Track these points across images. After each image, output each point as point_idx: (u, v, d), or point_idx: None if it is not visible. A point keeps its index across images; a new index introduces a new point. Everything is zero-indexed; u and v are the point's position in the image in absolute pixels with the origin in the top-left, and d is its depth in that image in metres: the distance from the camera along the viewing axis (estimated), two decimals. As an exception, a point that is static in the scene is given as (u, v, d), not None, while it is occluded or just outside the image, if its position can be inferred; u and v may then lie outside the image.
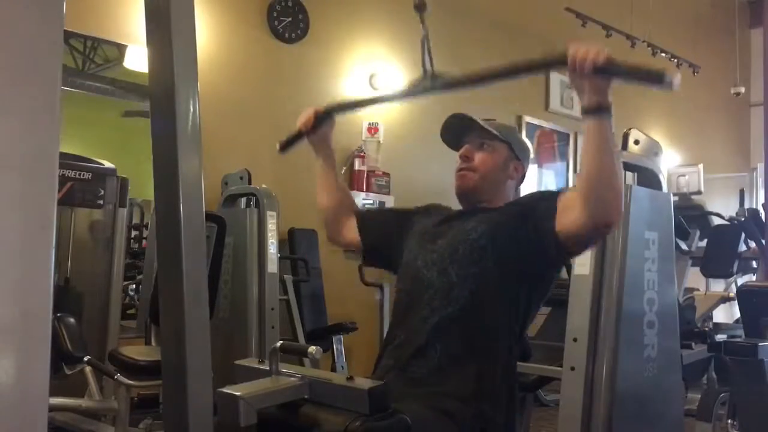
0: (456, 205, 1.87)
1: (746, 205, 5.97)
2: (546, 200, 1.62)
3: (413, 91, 1.74)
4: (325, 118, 1.88)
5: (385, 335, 1.77)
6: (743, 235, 4.77)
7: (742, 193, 6.26)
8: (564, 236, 1.54)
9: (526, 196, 1.75)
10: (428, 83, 1.69)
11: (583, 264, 2.28)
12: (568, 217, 1.53)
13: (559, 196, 1.61)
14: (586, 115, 1.44)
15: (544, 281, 1.70)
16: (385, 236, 1.92)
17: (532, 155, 1.94)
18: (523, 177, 1.88)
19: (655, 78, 1.32)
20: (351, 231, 1.96)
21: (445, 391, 1.53)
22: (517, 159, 1.83)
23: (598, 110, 1.42)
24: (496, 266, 1.62)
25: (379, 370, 1.66)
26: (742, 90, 7.83)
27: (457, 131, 1.84)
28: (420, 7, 1.68)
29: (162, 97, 0.97)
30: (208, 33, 4.26)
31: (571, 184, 6.59)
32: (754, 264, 5.36)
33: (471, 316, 1.60)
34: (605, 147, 1.44)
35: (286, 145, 1.98)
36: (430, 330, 1.61)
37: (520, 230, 1.62)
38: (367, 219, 1.99)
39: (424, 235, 1.79)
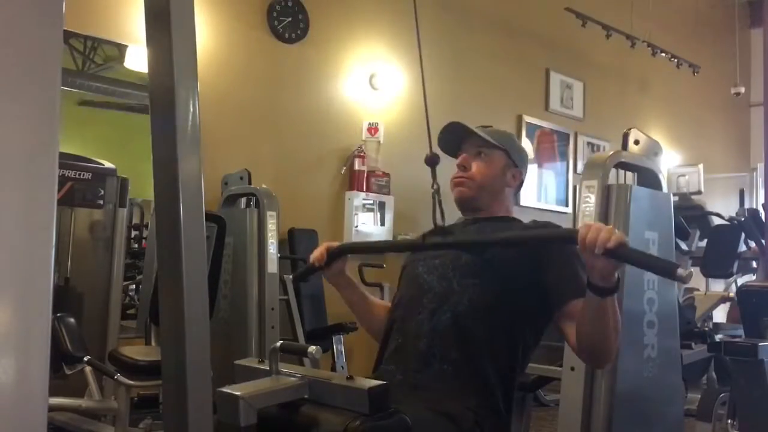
0: (454, 210, 1.87)
1: (746, 205, 5.97)
2: (566, 278, 1.60)
3: (424, 246, 1.74)
4: (337, 254, 1.84)
5: (384, 337, 1.77)
6: (743, 235, 4.77)
7: (742, 193, 6.27)
8: (557, 326, 1.62)
9: (541, 234, 1.69)
10: (439, 239, 1.69)
11: (583, 264, 2.27)
12: (566, 328, 1.59)
13: (572, 298, 1.58)
14: (590, 289, 1.43)
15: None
16: None
17: (531, 156, 1.94)
18: (521, 184, 1.88)
19: (666, 272, 1.29)
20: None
21: (446, 395, 1.53)
22: (515, 166, 1.83)
23: (603, 291, 1.41)
24: (498, 283, 1.63)
25: (380, 373, 1.65)
26: (742, 90, 7.83)
27: (454, 140, 1.84)
28: (432, 162, 1.67)
29: (162, 97, 0.97)
30: (208, 33, 4.26)
31: (571, 184, 6.59)
32: (754, 264, 5.36)
33: (470, 323, 1.60)
34: (604, 321, 1.44)
35: (301, 277, 1.99)
36: (429, 334, 1.61)
37: (528, 271, 1.63)
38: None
39: (426, 246, 1.80)
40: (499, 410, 1.57)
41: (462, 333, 1.59)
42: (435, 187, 1.67)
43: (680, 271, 1.25)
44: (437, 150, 1.77)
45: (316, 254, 1.84)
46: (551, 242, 1.60)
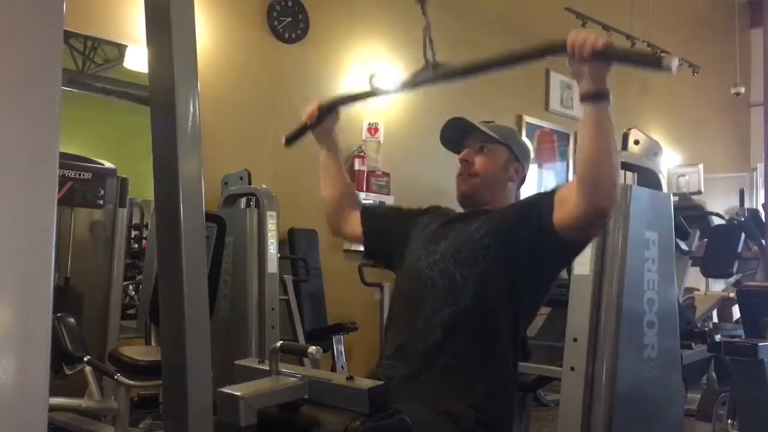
0: (456, 206, 1.88)
1: (746, 205, 5.97)
2: (545, 197, 1.63)
3: (415, 82, 1.75)
4: (328, 111, 1.90)
5: (384, 335, 1.77)
6: (743, 235, 4.77)
7: (742, 193, 6.26)
8: (561, 228, 1.56)
9: (527, 197, 1.77)
10: (430, 74, 1.69)
11: (583, 264, 2.28)
12: (565, 207, 1.55)
13: (556, 190, 1.62)
14: (584, 101, 1.45)
15: (546, 281, 1.70)
16: (387, 232, 1.94)
17: (532, 155, 1.95)
18: (524, 178, 1.89)
19: (653, 63, 1.34)
20: (354, 224, 1.98)
21: (448, 392, 1.53)
22: (518, 161, 1.84)
23: (597, 96, 1.43)
24: (499, 265, 1.63)
25: (383, 369, 1.65)
26: (742, 90, 7.83)
27: (457, 135, 1.85)
28: None
29: (162, 97, 0.97)
30: (208, 33, 4.26)
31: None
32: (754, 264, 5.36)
33: (474, 316, 1.61)
34: (602, 133, 1.45)
35: (292, 138, 2.01)
36: (434, 330, 1.61)
37: (522, 229, 1.63)
38: (370, 213, 2.01)
39: (426, 237, 1.80)
40: (501, 408, 1.57)
41: (466, 327, 1.60)
42: (425, 23, 1.70)
43: (666, 60, 1.30)
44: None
45: (309, 112, 1.91)
46: (543, 53, 1.56)
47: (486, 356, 1.59)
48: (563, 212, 1.55)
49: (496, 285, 1.62)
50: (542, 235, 1.59)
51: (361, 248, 2.06)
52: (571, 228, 1.55)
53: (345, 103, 1.97)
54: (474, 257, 1.65)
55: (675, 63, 1.29)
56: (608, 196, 1.48)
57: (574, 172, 7.05)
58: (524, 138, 2.05)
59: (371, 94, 2.03)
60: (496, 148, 1.81)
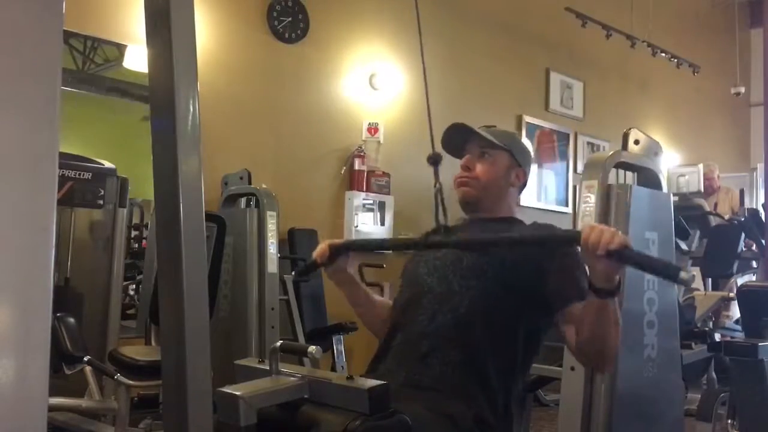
0: (455, 210, 1.87)
1: (746, 205, 5.97)
2: (567, 282, 1.59)
3: (426, 243, 1.73)
4: (339, 252, 1.83)
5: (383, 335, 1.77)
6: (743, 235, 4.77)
7: (742, 193, 6.26)
8: (557, 329, 1.62)
9: (544, 235, 1.70)
10: (440, 237, 1.69)
11: (583, 264, 2.27)
12: (566, 331, 1.58)
13: (577, 294, 1.56)
14: (592, 290, 1.43)
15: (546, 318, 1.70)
16: None
17: (532, 156, 1.95)
18: (525, 183, 1.89)
19: (669, 274, 1.30)
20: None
21: (446, 395, 1.53)
22: (519, 166, 1.84)
23: (604, 293, 1.42)
24: (498, 283, 1.63)
25: (380, 372, 1.65)
26: (742, 90, 7.83)
27: (458, 140, 1.85)
28: (434, 161, 1.67)
29: (162, 97, 0.97)
30: (208, 33, 4.26)
31: (571, 184, 6.59)
32: (754, 264, 5.36)
33: (471, 325, 1.60)
34: (605, 322, 1.45)
35: (303, 273, 1.98)
36: (429, 335, 1.61)
37: (529, 275, 1.62)
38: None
39: (429, 244, 1.80)
40: (500, 411, 1.57)
41: (462, 335, 1.59)
42: (437, 186, 1.67)
43: (683, 274, 1.26)
44: (440, 149, 1.77)
45: (319, 251, 1.83)
46: (554, 243, 1.60)
47: (482, 365, 1.58)
48: (566, 333, 1.59)
49: (494, 299, 1.62)
50: (545, 309, 1.62)
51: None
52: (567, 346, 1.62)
53: (355, 249, 1.93)
54: (473, 270, 1.65)
55: (691, 278, 1.28)
56: (602, 366, 1.61)
57: (575, 172, 7.02)
58: (524, 139, 2.05)
59: (382, 245, 2.00)
60: (497, 153, 1.81)
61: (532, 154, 1.93)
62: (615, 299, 1.44)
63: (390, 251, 2.02)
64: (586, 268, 1.47)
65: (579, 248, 1.41)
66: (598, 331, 1.46)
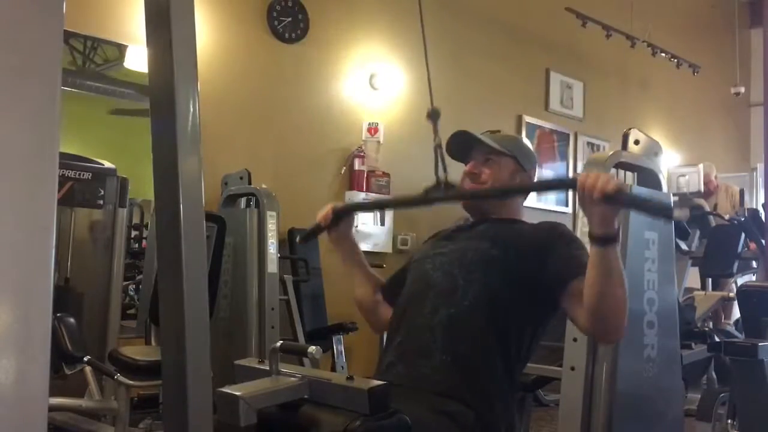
0: (455, 215, 1.88)
1: (746, 205, 5.97)
2: (564, 260, 1.61)
3: (426, 199, 1.74)
4: (343, 215, 1.84)
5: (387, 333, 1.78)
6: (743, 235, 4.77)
7: (742, 193, 6.26)
8: (566, 312, 1.61)
9: (546, 229, 1.72)
10: (441, 192, 1.69)
11: (583, 264, 2.27)
12: (573, 309, 1.57)
13: (576, 269, 1.56)
14: (592, 241, 1.44)
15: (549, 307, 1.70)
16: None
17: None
18: None
19: (663, 212, 1.35)
20: (385, 311, 1.89)
21: (447, 392, 1.53)
22: (524, 170, 1.84)
23: (604, 240, 1.43)
24: (503, 277, 1.64)
25: (383, 367, 1.66)
26: (742, 90, 7.83)
27: (463, 147, 1.86)
28: (433, 117, 1.68)
29: (162, 97, 0.97)
30: (208, 33, 4.26)
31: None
32: (754, 264, 5.36)
33: (473, 320, 1.61)
34: (609, 274, 1.45)
35: (306, 238, 1.93)
36: (432, 329, 1.61)
37: (531, 266, 1.63)
38: (389, 289, 1.92)
39: (435, 242, 1.83)
40: (500, 408, 1.57)
41: (465, 328, 1.60)
42: (437, 141, 1.68)
43: (677, 212, 1.29)
44: (443, 137, 1.77)
45: (323, 214, 1.84)
46: (552, 188, 1.63)
47: (484, 357, 1.58)
48: (571, 311, 1.58)
49: (497, 293, 1.62)
50: (547, 296, 1.62)
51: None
52: (573, 323, 1.60)
53: (359, 210, 1.93)
54: (478, 263, 1.66)
55: (685, 213, 1.30)
56: (616, 329, 1.51)
57: (575, 171, 7.05)
58: (525, 140, 2.05)
59: (386, 205, 2.01)
60: (501, 159, 1.82)
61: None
62: (616, 248, 1.44)
63: (393, 208, 2.02)
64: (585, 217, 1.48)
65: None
66: (603, 287, 1.45)
